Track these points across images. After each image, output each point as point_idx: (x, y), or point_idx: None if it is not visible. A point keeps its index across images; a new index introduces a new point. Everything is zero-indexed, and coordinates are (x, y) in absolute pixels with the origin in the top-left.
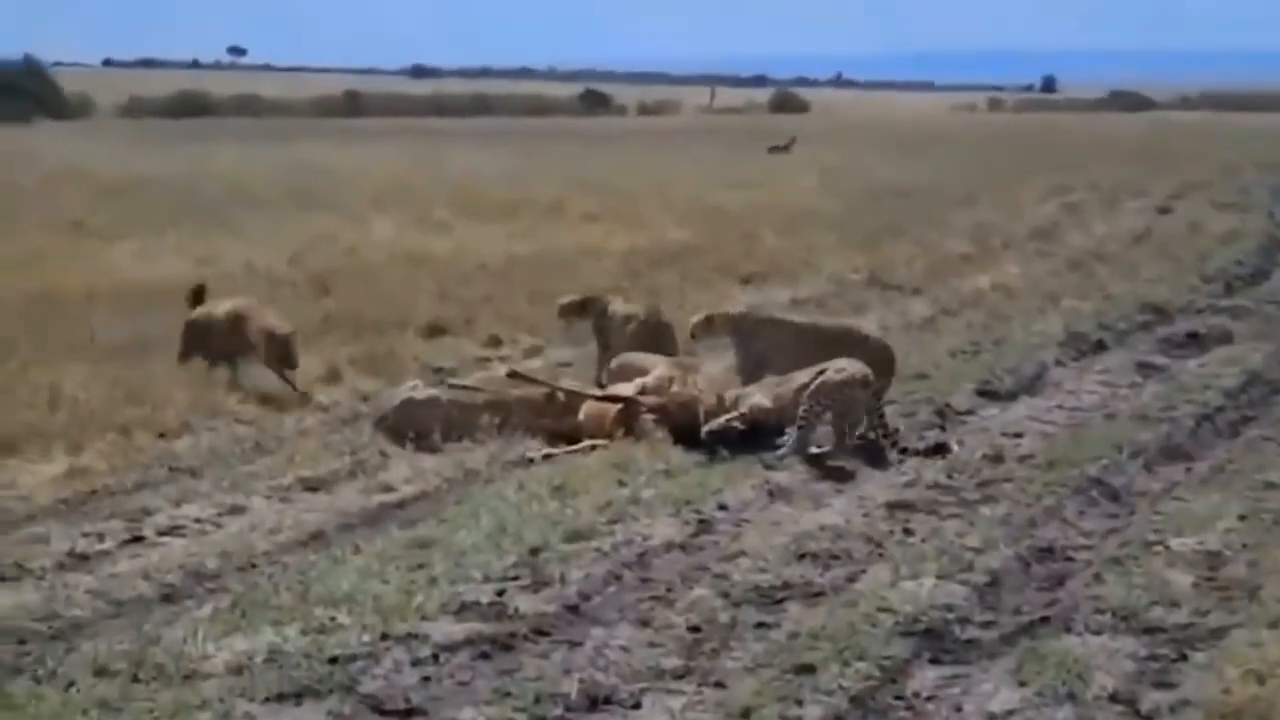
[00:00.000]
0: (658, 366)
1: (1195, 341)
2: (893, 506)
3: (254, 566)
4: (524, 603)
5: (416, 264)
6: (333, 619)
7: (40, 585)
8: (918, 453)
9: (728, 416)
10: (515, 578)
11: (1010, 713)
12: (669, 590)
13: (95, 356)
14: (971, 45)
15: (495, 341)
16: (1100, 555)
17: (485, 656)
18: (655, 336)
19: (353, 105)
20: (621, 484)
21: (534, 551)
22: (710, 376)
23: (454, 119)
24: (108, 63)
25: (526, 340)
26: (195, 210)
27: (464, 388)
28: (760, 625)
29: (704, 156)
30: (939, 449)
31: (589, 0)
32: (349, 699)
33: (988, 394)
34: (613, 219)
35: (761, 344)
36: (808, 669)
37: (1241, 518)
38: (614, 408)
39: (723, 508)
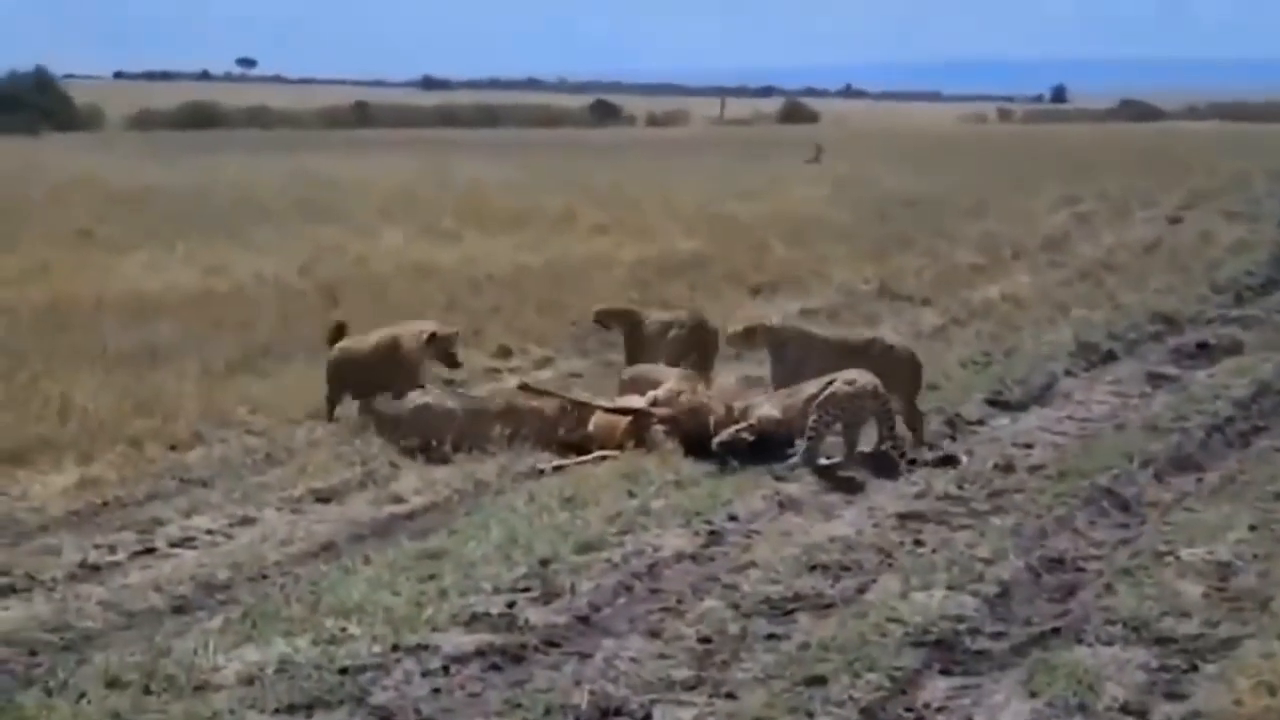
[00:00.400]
0: (669, 379)
1: (1205, 352)
2: (903, 517)
3: (265, 577)
4: (534, 614)
5: (425, 274)
6: (343, 630)
7: (52, 596)
8: (927, 463)
9: (737, 428)
10: (525, 589)
11: None
12: (679, 601)
13: (105, 367)
14: (981, 55)
15: (505, 352)
16: (1111, 566)
17: (496, 668)
18: (699, 342)
19: (362, 116)
20: (631, 495)
21: (544, 563)
22: (722, 387)
23: (463, 130)
24: (118, 75)
25: (536, 351)
26: (204, 221)
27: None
28: (771, 636)
29: (713, 167)
30: (948, 460)
31: (598, 12)
32: (360, 710)
33: (998, 404)
34: (622, 230)
35: (796, 355)
36: (818, 680)
37: (1252, 528)
38: (625, 419)
39: (733, 519)
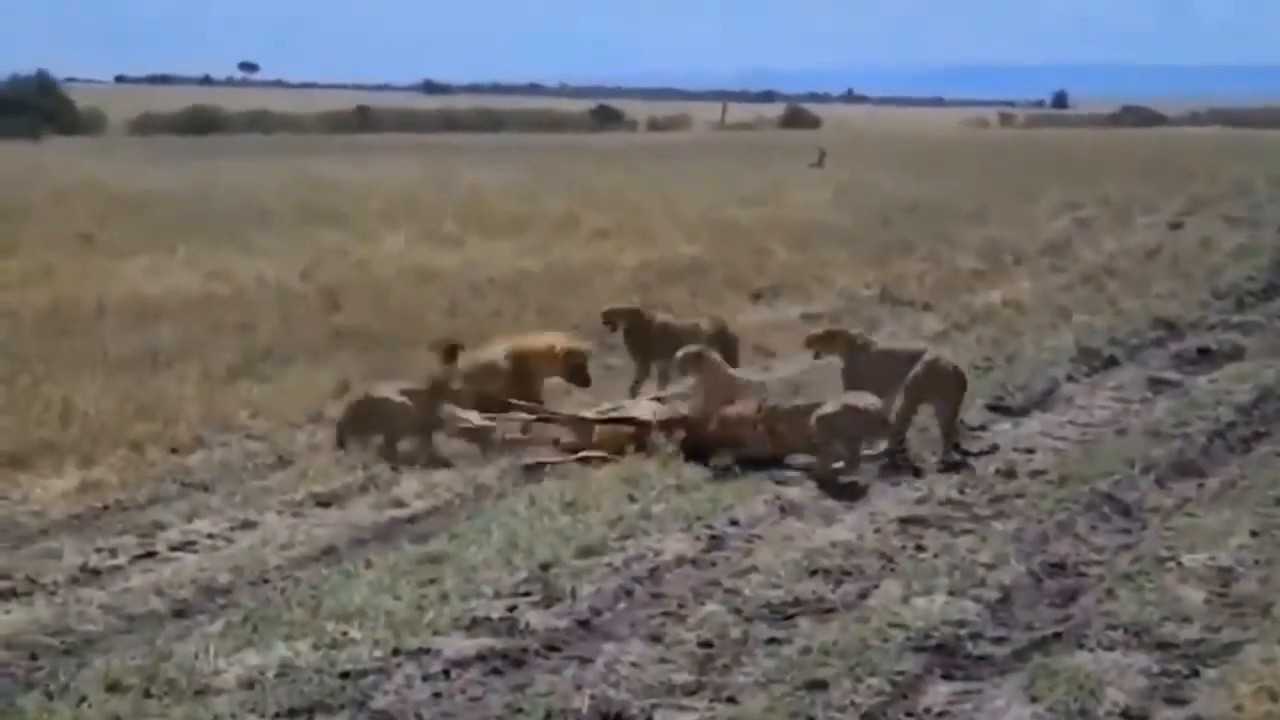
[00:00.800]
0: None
1: (1207, 357)
2: (904, 522)
3: (266, 581)
4: (535, 618)
5: (427, 279)
6: (344, 634)
7: (52, 600)
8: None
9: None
10: (526, 593)
11: None
12: (680, 606)
13: (107, 371)
14: (983, 61)
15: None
16: (1112, 571)
17: (496, 672)
18: (722, 348)
19: (363, 121)
20: (632, 499)
21: (545, 567)
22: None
23: (465, 134)
24: (120, 79)
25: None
26: (206, 225)
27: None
28: (772, 641)
29: (715, 172)
30: (956, 466)
31: (600, 15)
32: (360, 714)
33: (999, 409)
34: (623, 234)
35: (862, 364)
36: (819, 685)
37: (1254, 534)
38: (626, 430)
39: (734, 523)
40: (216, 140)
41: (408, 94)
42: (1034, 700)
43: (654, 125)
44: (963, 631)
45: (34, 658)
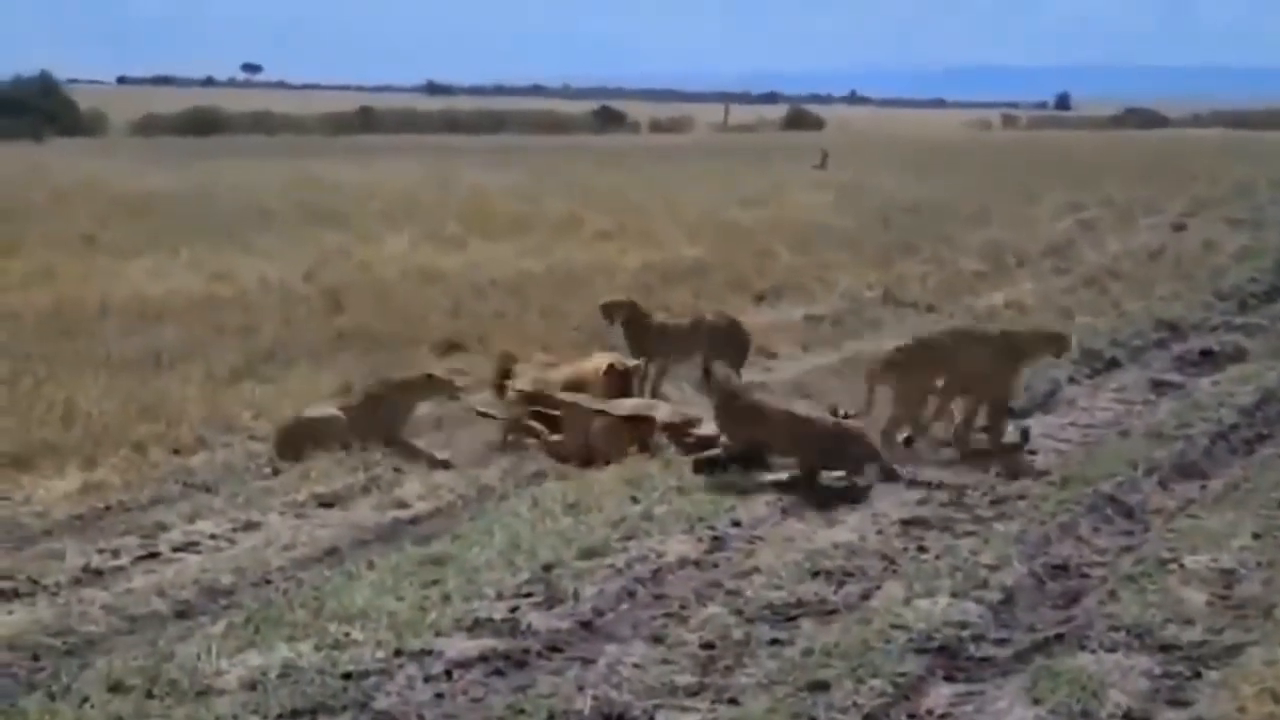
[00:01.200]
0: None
1: (1209, 359)
2: (906, 523)
3: (268, 582)
4: (537, 619)
5: (429, 280)
6: (347, 635)
7: (55, 601)
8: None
9: (711, 452)
10: (529, 594)
11: None
12: (682, 607)
13: (109, 372)
14: (986, 62)
15: (509, 358)
16: (1115, 573)
17: (499, 673)
18: (735, 343)
19: (366, 122)
20: (635, 501)
21: (547, 568)
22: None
23: (467, 136)
24: (122, 80)
25: (541, 357)
26: (208, 226)
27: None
28: (774, 642)
29: (717, 173)
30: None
31: (602, 18)
32: (363, 715)
33: None
34: (626, 236)
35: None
36: (821, 686)
37: (1256, 536)
38: (627, 425)
39: (736, 524)
40: (219, 141)
41: (410, 95)
42: (1036, 702)
43: (656, 127)
44: (965, 633)
45: (36, 658)
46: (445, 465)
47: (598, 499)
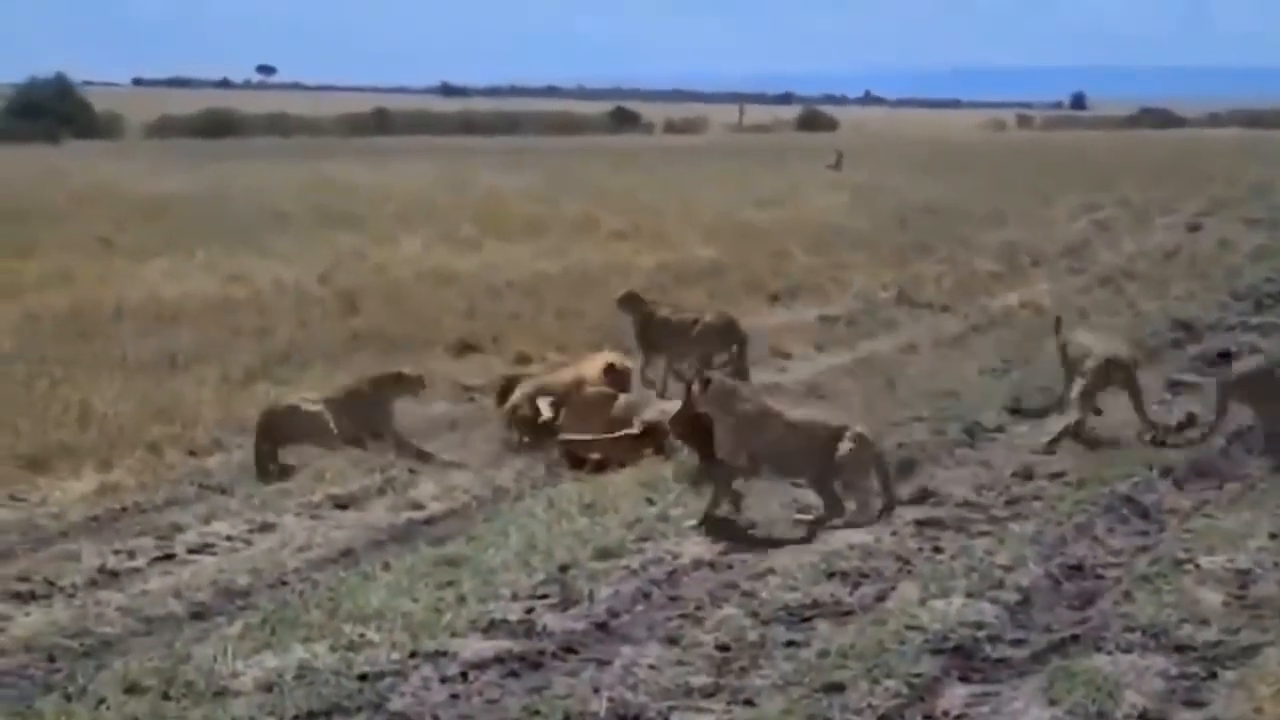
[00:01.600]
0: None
1: (1226, 359)
2: (922, 524)
3: (284, 584)
4: (553, 621)
5: (444, 282)
6: (362, 636)
7: (71, 602)
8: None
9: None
10: (544, 596)
11: None
12: (698, 608)
13: (125, 374)
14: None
15: (524, 359)
16: (1130, 573)
17: (514, 674)
18: (725, 341)
19: (381, 123)
20: (650, 502)
21: (563, 569)
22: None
23: (482, 137)
24: (138, 82)
25: (555, 358)
26: (224, 228)
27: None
28: (789, 644)
29: (732, 174)
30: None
31: (617, 19)
32: (378, 716)
33: (1018, 411)
34: (641, 237)
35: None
36: (837, 687)
37: (1272, 536)
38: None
39: (751, 526)
40: (234, 143)
41: (425, 96)
42: (1052, 703)
43: (671, 127)
44: (980, 634)
45: (52, 660)
46: (428, 458)
47: (613, 500)
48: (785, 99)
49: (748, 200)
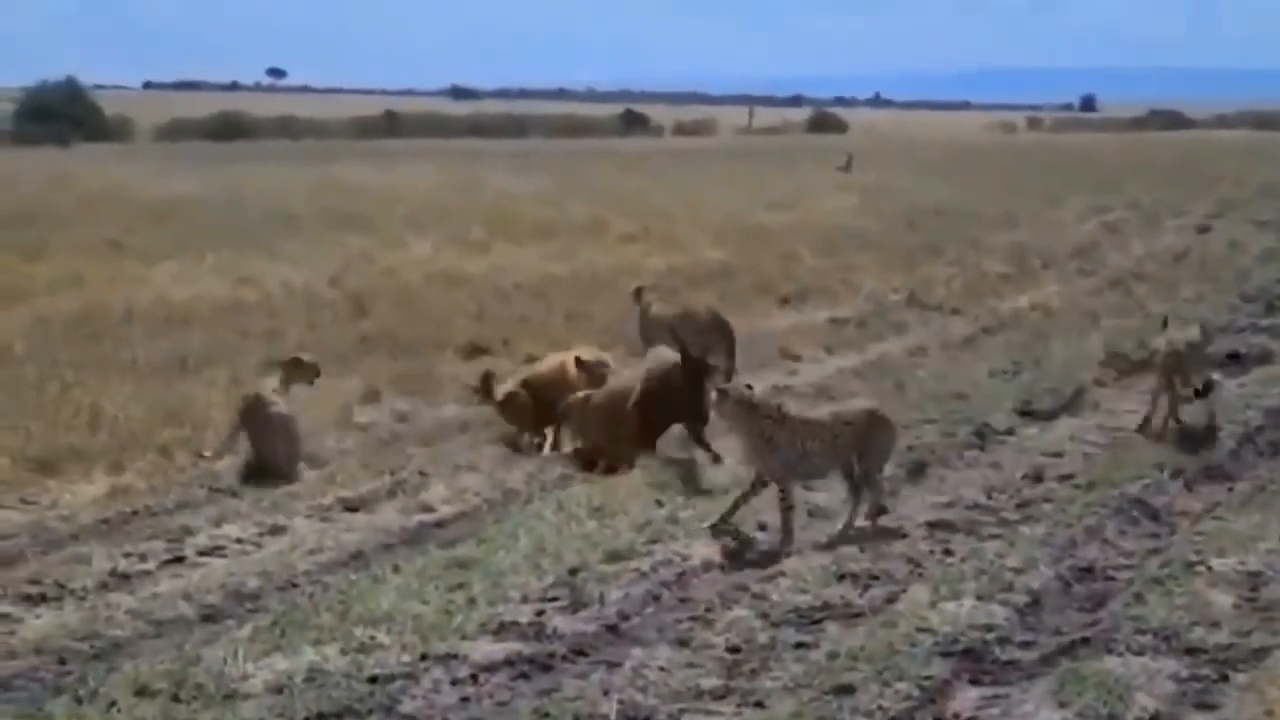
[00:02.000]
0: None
1: (1236, 361)
2: (932, 526)
3: (294, 586)
4: (563, 623)
5: (454, 284)
6: (372, 639)
7: (82, 605)
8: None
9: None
10: (554, 598)
11: None
12: (708, 610)
13: (136, 377)
14: (1010, 65)
15: (533, 361)
16: (1141, 575)
17: (524, 677)
18: (714, 338)
19: (391, 126)
20: (659, 504)
21: (573, 572)
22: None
23: (492, 139)
24: (148, 85)
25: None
26: (234, 231)
27: None
28: (799, 645)
29: (741, 177)
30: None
31: (627, 21)
32: (388, 719)
33: (1027, 414)
34: (650, 239)
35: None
36: (847, 690)
37: None
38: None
39: (762, 528)
40: (244, 146)
41: (435, 99)
42: (1062, 705)
43: (680, 130)
44: (990, 636)
45: (63, 662)
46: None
47: (623, 502)
48: (795, 101)
49: (757, 202)
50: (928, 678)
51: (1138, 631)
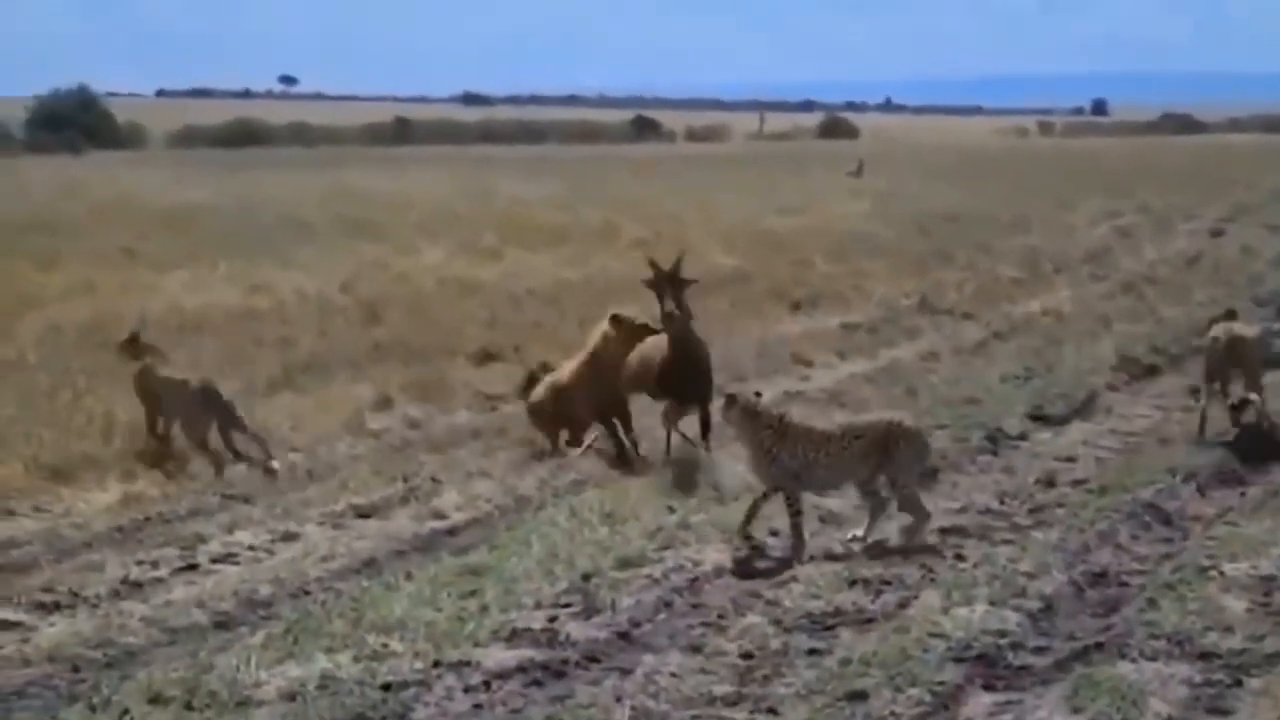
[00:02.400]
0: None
1: None
2: (944, 532)
3: (307, 593)
4: (575, 629)
5: (466, 291)
6: (385, 646)
7: (95, 612)
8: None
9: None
10: (566, 604)
11: None
12: (720, 617)
13: None
14: (1021, 70)
15: (546, 368)
16: (1154, 581)
17: (537, 683)
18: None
19: (403, 133)
20: (672, 510)
21: (585, 578)
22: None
23: (503, 146)
24: (160, 93)
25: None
26: (246, 239)
27: None
28: (812, 651)
29: (753, 182)
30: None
31: (638, 27)
32: None
33: (1040, 418)
34: (662, 245)
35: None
36: (860, 695)
37: None
38: None
39: (774, 534)
40: (256, 153)
41: (447, 105)
42: (1076, 711)
43: (692, 135)
44: (1003, 641)
45: (76, 670)
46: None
47: (634, 508)
48: (806, 106)
49: (769, 208)
50: (940, 683)
51: (1151, 637)
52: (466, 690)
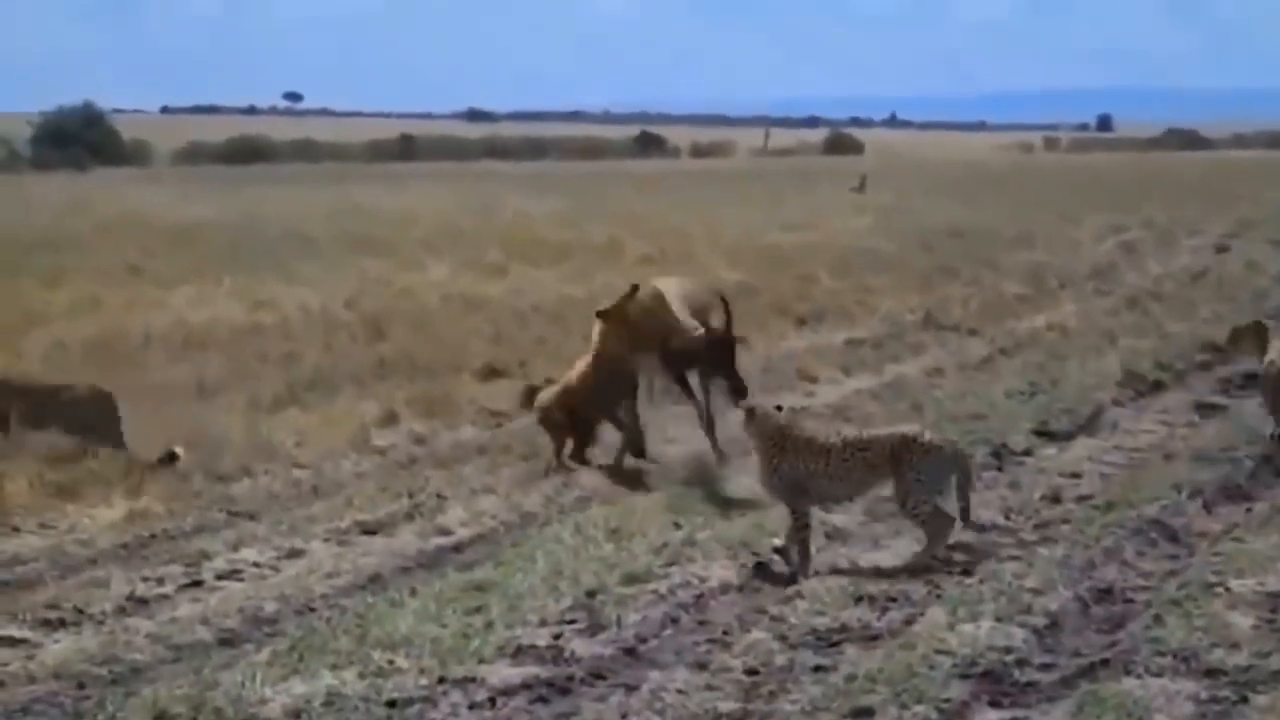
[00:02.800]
0: None
1: (1254, 381)
2: (950, 548)
3: (312, 610)
4: (580, 646)
5: (471, 307)
6: (390, 662)
7: (100, 630)
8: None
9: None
10: (572, 621)
11: None
12: (726, 633)
13: (153, 401)
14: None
15: (550, 384)
16: (1160, 597)
17: (542, 700)
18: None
19: (407, 149)
20: (677, 526)
21: (590, 594)
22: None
23: (508, 162)
24: (165, 109)
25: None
26: (251, 255)
27: None
28: (818, 668)
29: (758, 198)
30: None
31: (642, 44)
32: None
33: (1045, 434)
34: (667, 260)
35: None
36: (865, 712)
37: None
38: None
39: (779, 550)
40: (262, 169)
41: (451, 122)
42: None
43: (696, 151)
44: (1009, 658)
45: (81, 687)
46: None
47: (640, 524)
48: (811, 122)
49: (773, 223)
50: (946, 700)
51: (1157, 653)
52: (472, 707)
